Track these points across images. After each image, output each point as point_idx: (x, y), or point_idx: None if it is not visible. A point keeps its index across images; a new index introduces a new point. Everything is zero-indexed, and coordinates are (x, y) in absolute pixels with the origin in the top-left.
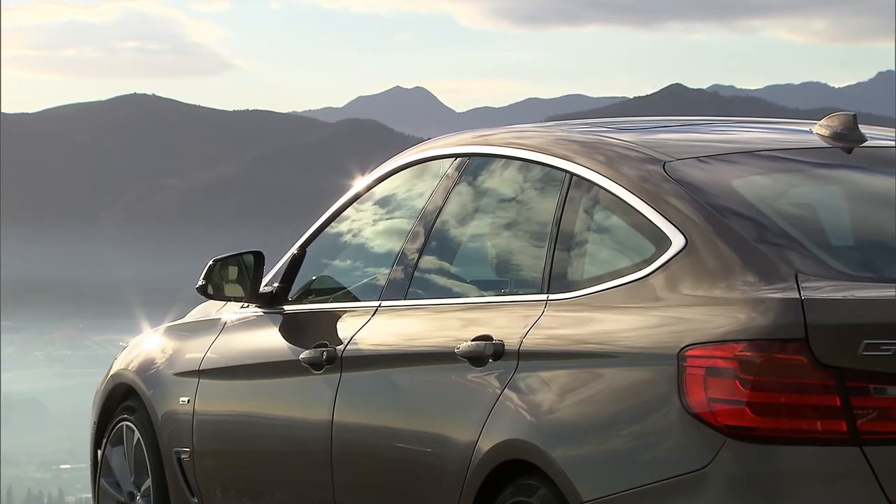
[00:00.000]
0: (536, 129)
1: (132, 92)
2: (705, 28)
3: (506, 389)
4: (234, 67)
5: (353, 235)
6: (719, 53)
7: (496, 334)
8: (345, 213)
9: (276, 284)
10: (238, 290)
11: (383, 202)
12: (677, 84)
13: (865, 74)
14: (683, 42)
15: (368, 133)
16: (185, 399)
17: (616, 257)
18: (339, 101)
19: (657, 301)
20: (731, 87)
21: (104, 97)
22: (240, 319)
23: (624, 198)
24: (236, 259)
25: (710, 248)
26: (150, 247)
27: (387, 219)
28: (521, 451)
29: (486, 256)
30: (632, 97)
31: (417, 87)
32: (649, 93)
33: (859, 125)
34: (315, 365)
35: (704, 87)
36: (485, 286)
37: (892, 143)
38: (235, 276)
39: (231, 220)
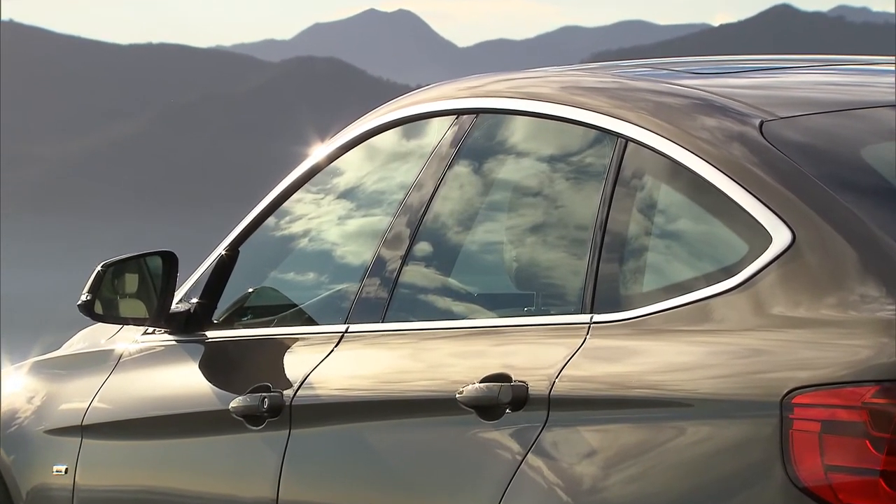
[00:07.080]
0: (575, 73)
1: None
2: None
3: (530, 453)
4: None
5: (308, 232)
6: None
7: (516, 373)
8: (295, 197)
9: (194, 300)
10: (139, 309)
11: (351, 182)
12: (784, 5)
13: None
14: None
15: (329, 77)
16: (62, 468)
17: (689, 262)
18: (287, 31)
19: (750, 325)
20: (865, 10)
21: None
22: (142, 351)
23: (702, 173)
24: (137, 263)
25: (828, 247)
26: (9, 245)
27: (356, 207)
28: None
29: (499, 261)
30: (717, 24)
31: (400, 9)
32: (743, 18)
33: None
34: (252, 417)
35: (825, 9)
36: (498, 304)
37: None
38: (135, 288)
39: (128, 205)
